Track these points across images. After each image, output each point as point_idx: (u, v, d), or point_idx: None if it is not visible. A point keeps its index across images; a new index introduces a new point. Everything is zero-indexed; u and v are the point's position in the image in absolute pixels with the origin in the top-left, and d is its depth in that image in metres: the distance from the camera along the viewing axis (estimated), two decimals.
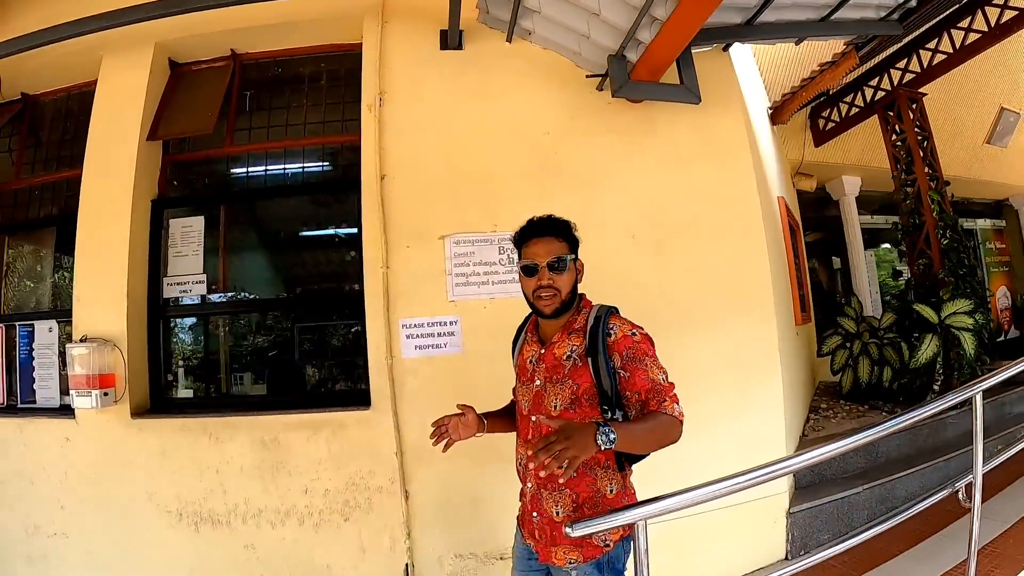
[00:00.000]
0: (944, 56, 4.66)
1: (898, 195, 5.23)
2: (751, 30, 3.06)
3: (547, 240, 1.61)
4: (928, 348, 4.07)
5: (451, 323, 2.92)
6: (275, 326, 3.55)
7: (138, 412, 3.10)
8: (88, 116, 3.56)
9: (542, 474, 1.47)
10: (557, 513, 1.55)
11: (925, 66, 4.89)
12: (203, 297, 3.27)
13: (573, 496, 1.54)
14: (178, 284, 3.27)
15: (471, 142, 3.07)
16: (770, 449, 3.06)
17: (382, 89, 3.11)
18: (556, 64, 3.16)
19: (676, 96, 2.97)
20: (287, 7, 3.18)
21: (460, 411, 1.69)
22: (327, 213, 3.51)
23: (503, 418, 1.82)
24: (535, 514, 1.60)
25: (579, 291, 1.69)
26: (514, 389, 1.80)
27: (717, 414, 2.92)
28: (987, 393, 2.15)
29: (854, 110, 5.65)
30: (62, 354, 3.36)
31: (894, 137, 5.21)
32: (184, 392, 3.34)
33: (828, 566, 2.82)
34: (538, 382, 1.62)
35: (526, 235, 1.65)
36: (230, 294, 3.35)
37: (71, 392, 3.01)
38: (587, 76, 3.11)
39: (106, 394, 2.98)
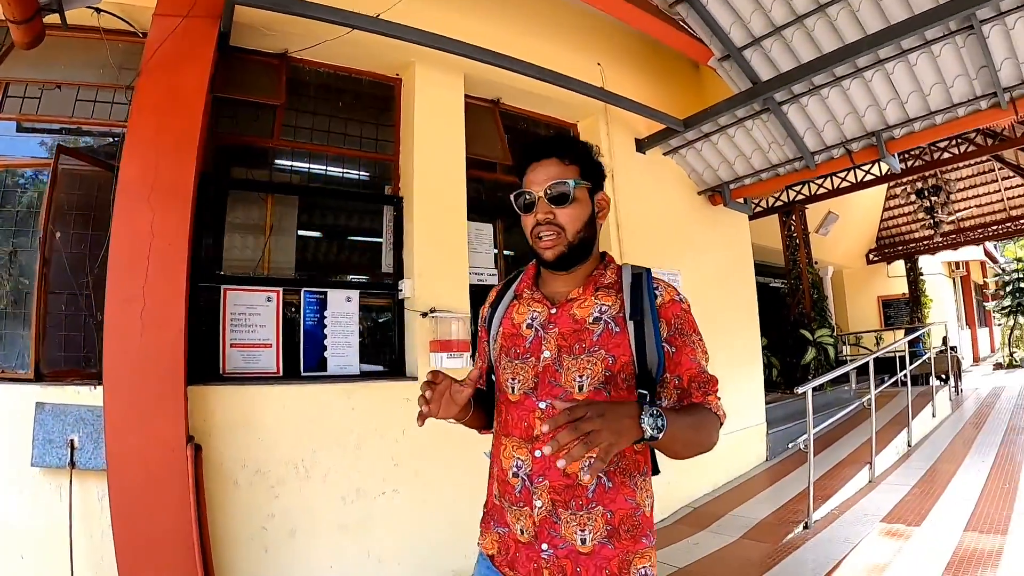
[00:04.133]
0: (825, 191, 9.46)
1: (788, 266, 9.90)
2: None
3: (547, 163, 1.36)
4: (810, 354, 8.58)
5: None
6: None
7: None
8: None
9: (560, 463, 0.97)
10: (584, 541, 1.26)
11: (812, 193, 9.65)
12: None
13: (607, 515, 1.27)
14: (475, 273, 4.45)
15: (652, 210, 5.53)
16: (756, 400, 6.42)
17: (612, 167, 5.27)
18: (680, 172, 5.98)
19: (740, 209, 6.32)
20: (544, 85, 5.00)
21: (464, 381, 1.34)
22: None
23: (479, 408, 1.50)
24: (545, 546, 1.28)
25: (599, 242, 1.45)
26: (477, 369, 1.44)
27: (734, 380, 6.00)
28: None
29: (758, 209, 9.90)
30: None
31: (785, 232, 9.93)
32: None
33: (787, 461, 6.21)
34: (548, 353, 1.33)
35: (523, 160, 1.42)
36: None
37: (437, 355, 3.86)
38: (699, 191, 6.06)
39: (472, 357, 3.96)
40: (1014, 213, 12.71)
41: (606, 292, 1.37)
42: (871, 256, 15.24)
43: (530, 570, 1.31)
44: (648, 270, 1.41)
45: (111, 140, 3.66)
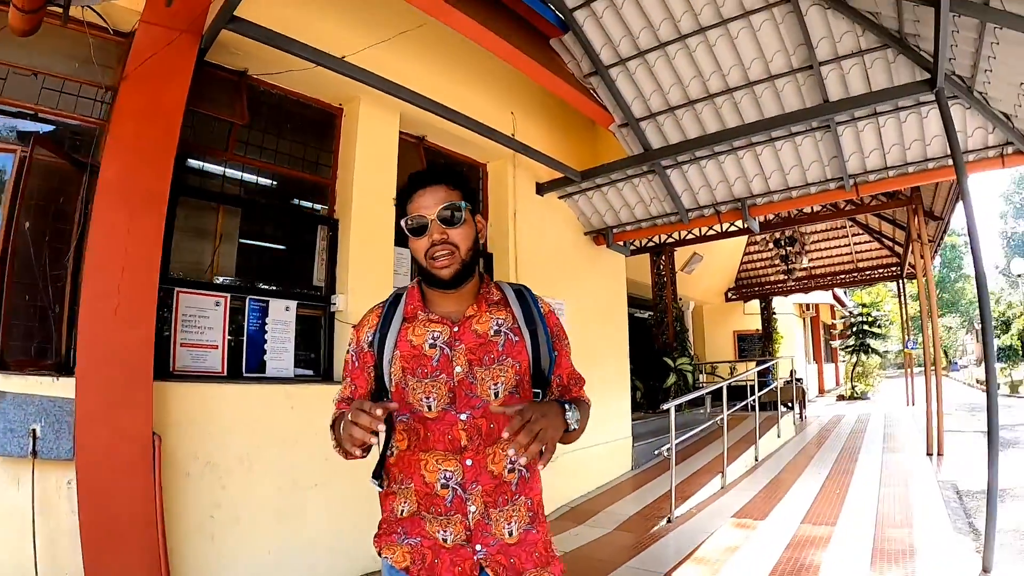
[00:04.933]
0: (693, 236, 10.11)
1: (655, 300, 11.17)
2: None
3: (435, 189, 1.50)
4: (671, 379, 9.90)
5: None
6: None
7: None
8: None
9: (521, 461, 1.28)
10: (511, 533, 1.43)
11: (681, 238, 10.25)
12: None
13: (528, 503, 1.48)
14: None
15: (545, 246, 6.57)
16: (624, 417, 7.63)
17: (515, 206, 6.23)
18: (571, 214, 7.06)
19: (620, 250, 7.52)
20: (464, 130, 5.82)
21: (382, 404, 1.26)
22: None
23: None
24: (479, 547, 1.42)
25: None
26: (354, 394, 1.59)
27: (605, 399, 7.14)
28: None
29: (633, 248, 10.53)
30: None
31: (655, 269, 11.19)
32: None
33: (650, 470, 7.40)
34: (459, 368, 1.47)
35: (411, 188, 1.53)
36: None
37: None
38: (585, 232, 7.18)
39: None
40: (861, 265, 15.21)
41: (497, 307, 1.56)
42: (729, 294, 17.42)
43: (455, 574, 1.40)
44: (525, 286, 1.64)
45: (58, 128, 3.72)
